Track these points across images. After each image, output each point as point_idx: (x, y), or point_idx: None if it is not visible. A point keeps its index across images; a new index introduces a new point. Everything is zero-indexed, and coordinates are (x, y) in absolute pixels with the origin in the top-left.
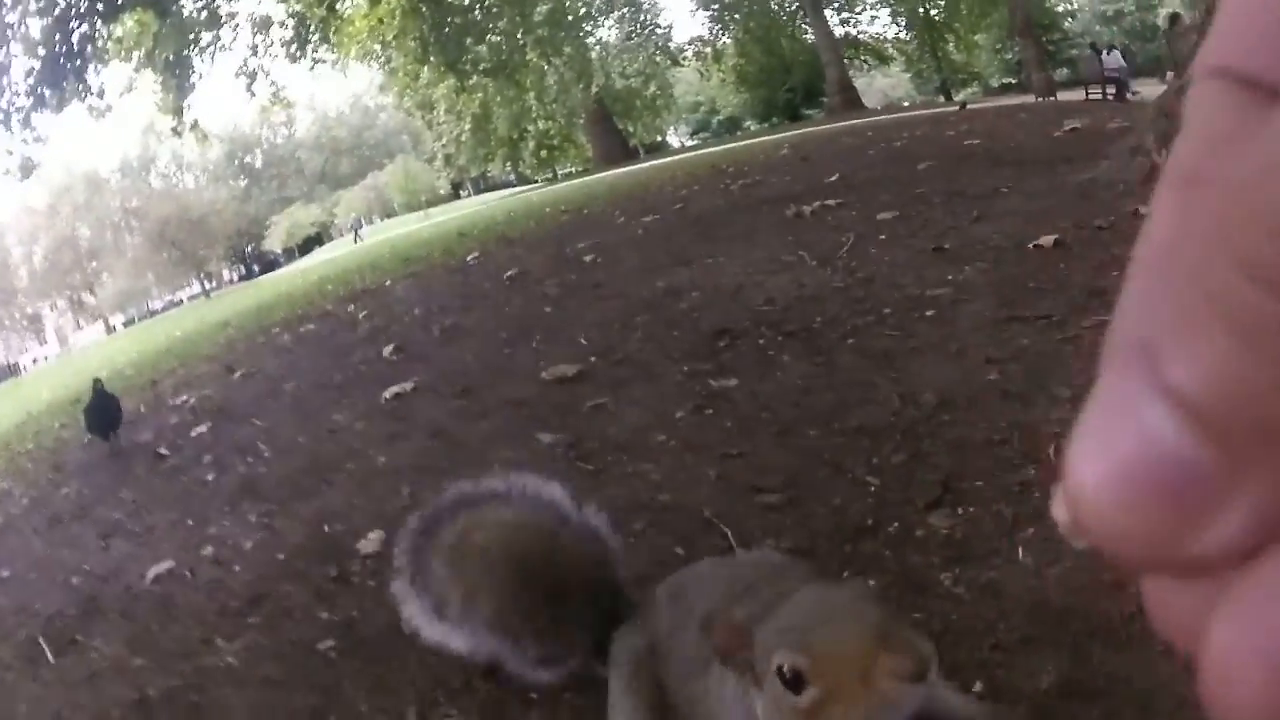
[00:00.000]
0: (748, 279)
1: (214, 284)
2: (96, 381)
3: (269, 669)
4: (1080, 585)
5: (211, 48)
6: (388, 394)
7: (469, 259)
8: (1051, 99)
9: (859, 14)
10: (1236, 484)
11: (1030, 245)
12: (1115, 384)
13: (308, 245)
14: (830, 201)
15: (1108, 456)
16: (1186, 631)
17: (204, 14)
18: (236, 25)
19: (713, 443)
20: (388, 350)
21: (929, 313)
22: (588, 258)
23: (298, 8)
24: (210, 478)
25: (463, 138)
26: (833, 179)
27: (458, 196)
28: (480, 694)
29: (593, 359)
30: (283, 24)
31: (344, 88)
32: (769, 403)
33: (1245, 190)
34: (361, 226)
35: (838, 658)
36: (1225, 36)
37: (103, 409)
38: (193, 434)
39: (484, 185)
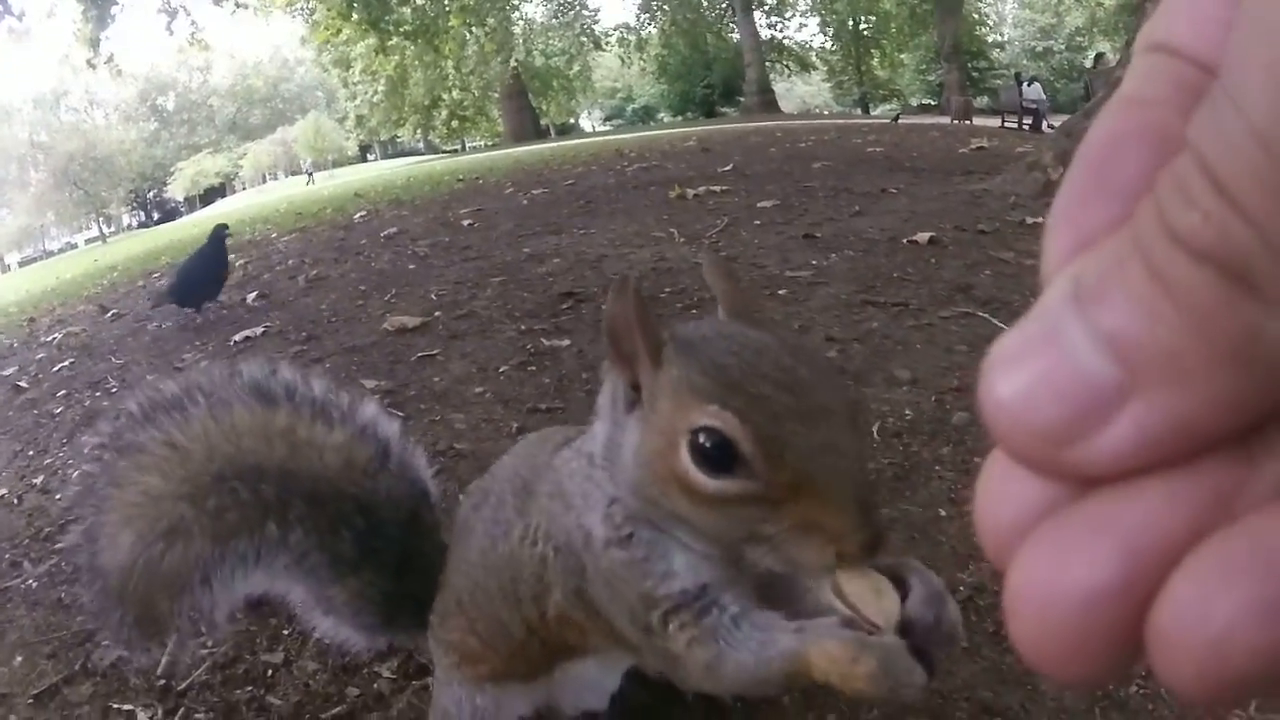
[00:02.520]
0: (613, 250)
1: (112, 229)
2: None
3: (61, 592)
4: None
5: None
6: (238, 336)
7: (357, 217)
8: (968, 122)
9: (788, 19)
10: (1130, 400)
11: (905, 240)
12: (1045, 315)
13: (209, 196)
14: (716, 188)
15: (1030, 368)
16: (999, 545)
17: None
18: None
19: (526, 397)
20: (251, 297)
21: (782, 291)
22: (466, 222)
23: None
24: (59, 411)
25: (377, 99)
26: (726, 169)
27: (364, 159)
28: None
29: (437, 313)
30: None
31: (264, 37)
32: (594, 363)
33: (1179, 174)
34: (314, 171)
35: (798, 469)
36: (1170, 18)
37: None
38: (54, 369)
39: (393, 150)
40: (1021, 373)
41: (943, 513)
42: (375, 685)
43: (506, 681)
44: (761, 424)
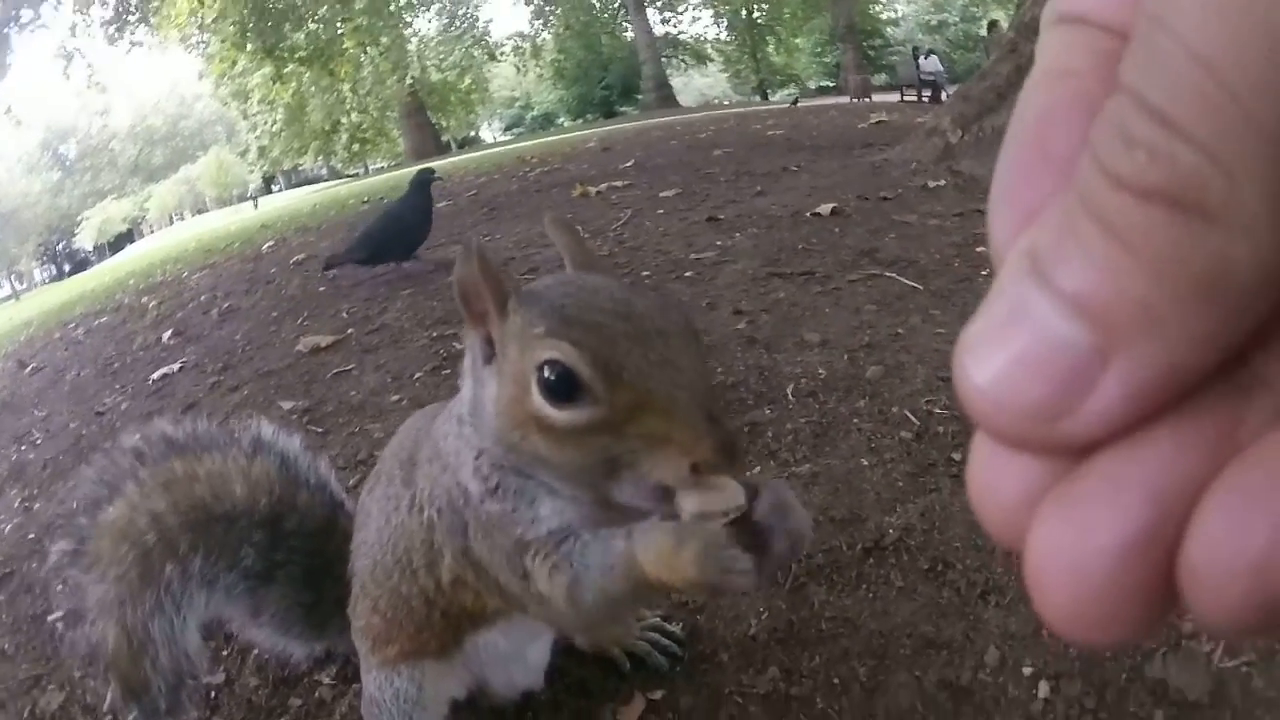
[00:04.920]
0: (519, 251)
1: (24, 285)
2: None
3: (3, 642)
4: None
5: (31, 25)
6: (156, 375)
7: (265, 248)
8: (867, 100)
9: (681, 13)
10: (1110, 360)
11: (808, 214)
12: (1007, 293)
13: (119, 243)
14: (618, 183)
15: (1004, 350)
16: (1007, 527)
17: None
18: (59, 2)
19: (442, 398)
20: (167, 335)
21: (689, 273)
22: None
23: None
24: None
25: (277, 129)
26: (628, 165)
27: (269, 191)
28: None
29: (349, 330)
30: (103, 2)
31: (161, 74)
32: None
33: (1114, 120)
34: (259, 196)
35: (640, 385)
36: None
37: None
38: None
39: (297, 179)
40: (994, 356)
41: (864, 462)
42: (316, 693)
43: (420, 660)
44: (597, 349)
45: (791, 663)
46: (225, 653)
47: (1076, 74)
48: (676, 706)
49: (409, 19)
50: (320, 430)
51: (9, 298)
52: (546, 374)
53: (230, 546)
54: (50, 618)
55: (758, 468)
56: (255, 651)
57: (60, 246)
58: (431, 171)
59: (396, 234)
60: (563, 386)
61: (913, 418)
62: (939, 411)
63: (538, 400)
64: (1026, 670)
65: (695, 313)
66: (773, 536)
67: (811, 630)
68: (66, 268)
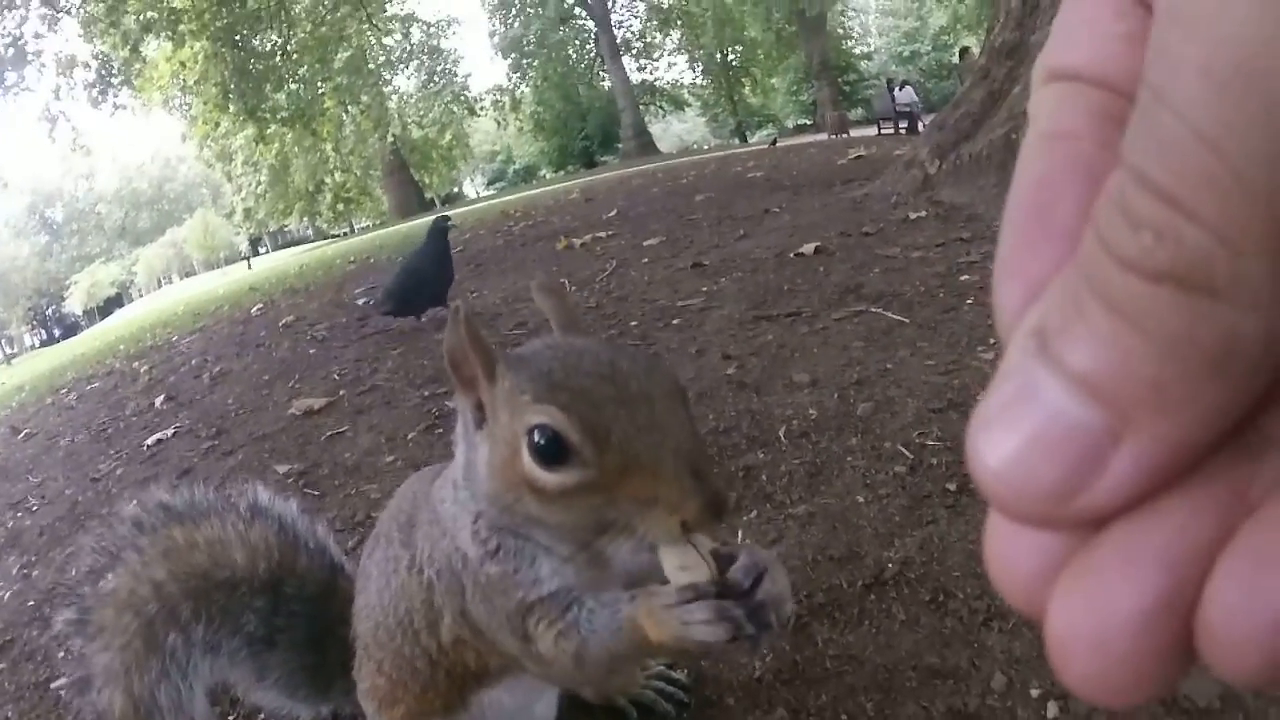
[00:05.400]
0: (506, 307)
1: (14, 349)
2: None
3: (7, 710)
4: (806, 561)
5: (15, 88)
6: (150, 440)
7: (254, 310)
8: (844, 135)
9: (656, 60)
10: (1123, 439)
11: (791, 254)
12: (1016, 372)
13: (108, 307)
14: (602, 234)
15: (1016, 432)
16: (1029, 599)
17: (10, 51)
18: (42, 65)
19: (436, 458)
20: (159, 400)
21: (675, 320)
22: (361, 300)
23: (103, 48)
24: None
25: (261, 189)
26: (610, 214)
27: (256, 253)
28: None
29: (341, 392)
30: (87, 65)
31: (145, 137)
32: None
33: (1117, 198)
34: (255, 254)
35: (627, 447)
36: (1066, 43)
37: None
38: None
39: (283, 240)
40: (1007, 438)
41: (860, 499)
42: None
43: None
44: (585, 413)
45: (798, 702)
46: (232, 717)
47: (1073, 136)
48: None
49: (388, 76)
50: (316, 493)
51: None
52: (536, 438)
53: (232, 613)
54: (54, 685)
55: (754, 512)
56: (262, 716)
57: (50, 311)
58: (447, 219)
59: (417, 285)
60: (552, 450)
61: (906, 451)
62: (931, 443)
63: (528, 464)
64: (1034, 692)
65: (684, 359)
66: (747, 596)
67: (816, 668)
68: (57, 332)
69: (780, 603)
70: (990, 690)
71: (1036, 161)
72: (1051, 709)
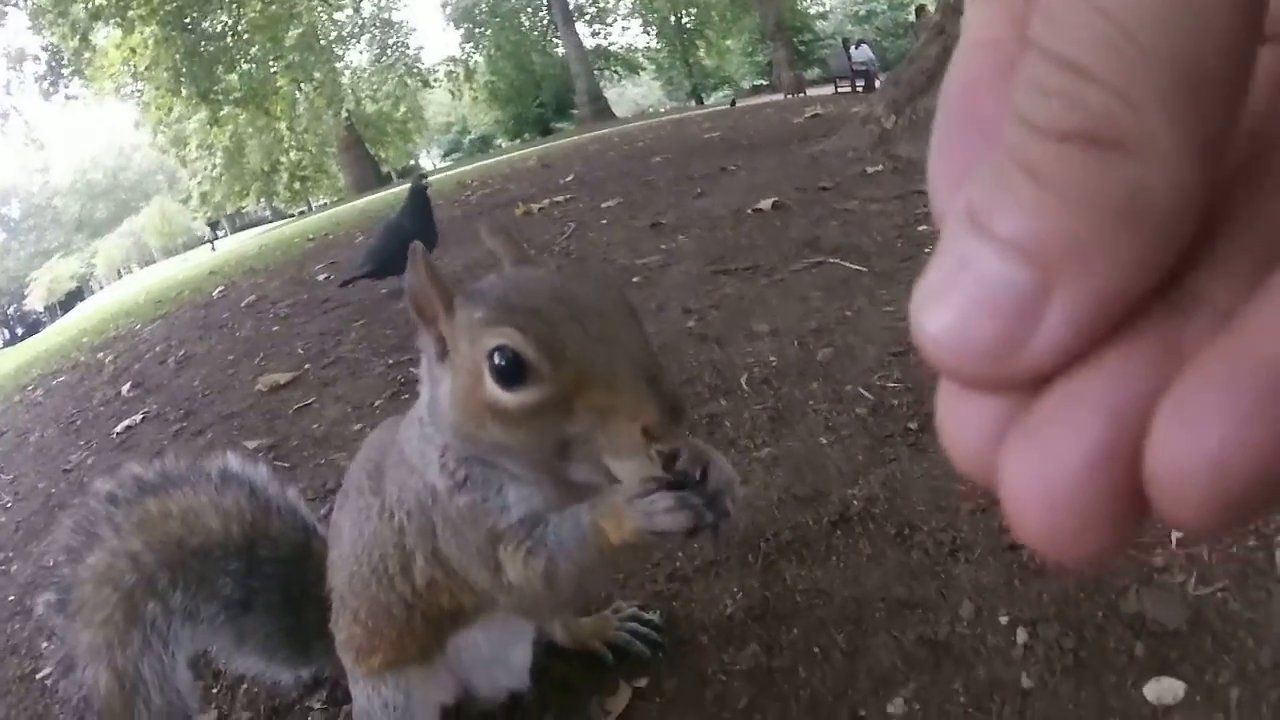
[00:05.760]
0: (467, 274)
1: None
2: None
3: None
4: (772, 502)
5: None
6: (119, 428)
7: (215, 293)
8: (800, 95)
9: (609, 25)
10: (1052, 293)
11: (749, 210)
12: (951, 248)
13: (70, 301)
14: (560, 198)
15: (953, 299)
16: (980, 465)
17: None
18: None
19: None
20: (126, 388)
21: (636, 279)
22: (322, 276)
23: (52, 39)
24: None
25: (216, 173)
26: (568, 179)
27: (215, 236)
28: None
29: (306, 366)
30: (36, 58)
31: (99, 127)
32: None
33: (1028, 74)
34: (216, 237)
35: (583, 360)
36: None
37: None
38: None
39: (241, 223)
40: (946, 305)
41: (823, 441)
42: (308, 718)
43: (405, 667)
44: (540, 331)
45: (771, 638)
46: (215, 689)
47: (998, 42)
48: (662, 691)
49: (340, 52)
50: (287, 465)
51: None
52: (496, 360)
53: (208, 578)
54: (39, 676)
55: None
56: (245, 686)
57: (11, 310)
58: (424, 178)
59: (400, 244)
60: (512, 370)
61: (867, 394)
62: (892, 385)
63: (490, 387)
64: (1003, 619)
65: (645, 315)
66: (704, 487)
67: (787, 605)
68: (19, 330)
69: (732, 486)
70: (959, 619)
71: (964, 66)
72: (1021, 634)
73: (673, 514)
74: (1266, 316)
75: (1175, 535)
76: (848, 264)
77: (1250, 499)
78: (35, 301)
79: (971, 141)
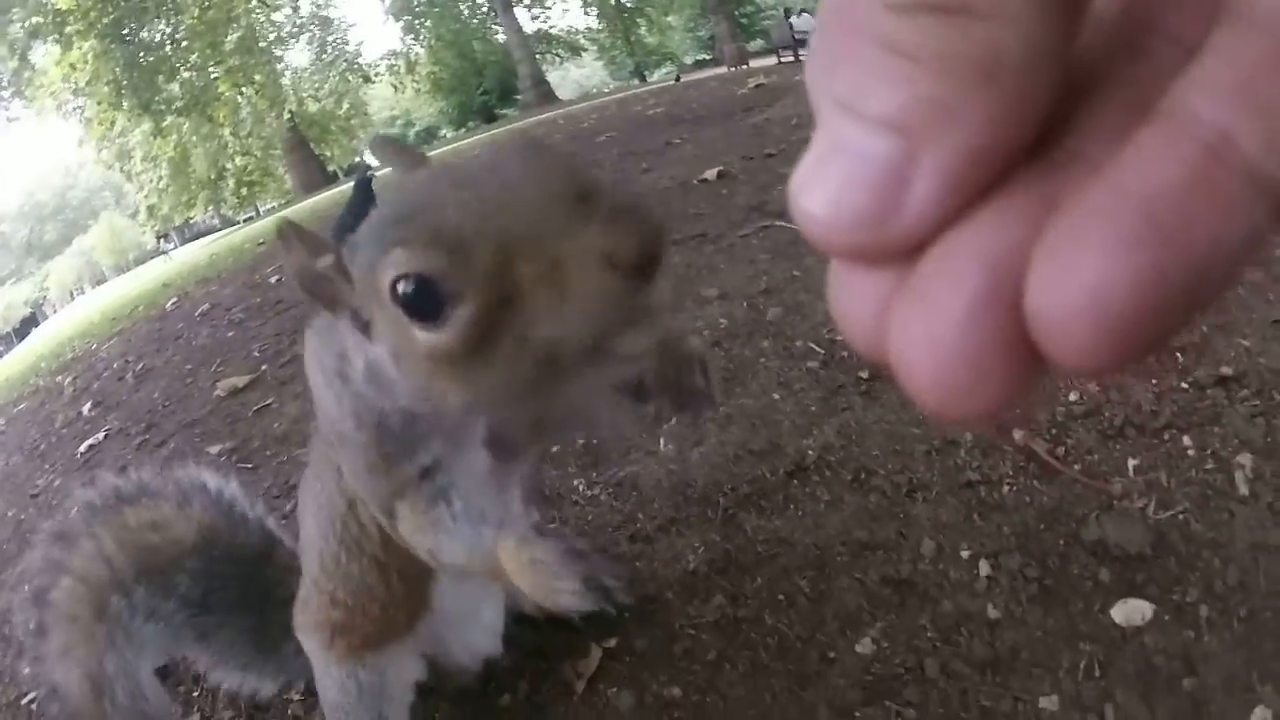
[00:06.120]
0: None
1: None
2: None
3: None
4: (728, 458)
5: None
6: (82, 448)
7: (169, 305)
8: (744, 67)
9: (549, 8)
10: (919, 158)
11: (695, 180)
12: (823, 135)
13: (24, 328)
14: None
15: (828, 178)
16: (875, 340)
17: None
18: None
19: None
20: (87, 408)
21: None
22: (274, 279)
23: None
24: None
25: (163, 184)
26: None
27: (169, 248)
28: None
29: (264, 367)
30: None
31: (43, 148)
32: None
33: None
34: (171, 248)
35: (496, 231)
36: None
37: None
38: None
39: (190, 234)
40: (821, 184)
41: (776, 396)
42: (289, 711)
43: (384, 645)
44: (429, 232)
45: (735, 588)
46: (195, 694)
47: None
48: (632, 649)
49: (279, 53)
50: (250, 466)
51: None
52: (401, 292)
53: (167, 577)
54: (24, 701)
55: (672, 419)
56: (225, 686)
57: None
58: (369, 168)
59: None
60: (423, 296)
61: (817, 348)
62: (842, 338)
63: (418, 334)
64: (964, 554)
65: None
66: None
67: (749, 555)
68: None
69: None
70: (921, 556)
71: None
72: (984, 567)
73: (577, 597)
74: (1130, 158)
75: (1131, 463)
76: (794, 225)
77: (1134, 334)
78: None
79: (845, 39)
